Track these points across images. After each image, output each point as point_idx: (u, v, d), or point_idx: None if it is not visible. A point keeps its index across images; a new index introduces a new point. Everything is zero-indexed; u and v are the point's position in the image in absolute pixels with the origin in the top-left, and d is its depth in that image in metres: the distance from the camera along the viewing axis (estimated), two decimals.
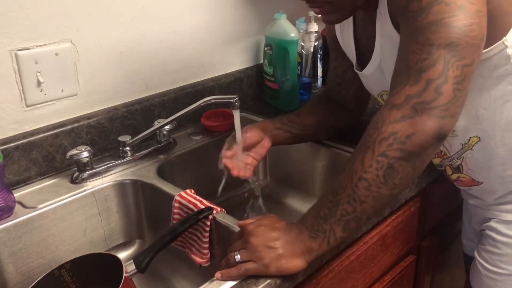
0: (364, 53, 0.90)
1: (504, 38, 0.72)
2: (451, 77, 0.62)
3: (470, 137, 0.82)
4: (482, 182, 0.86)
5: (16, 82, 0.92)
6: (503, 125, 0.78)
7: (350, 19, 0.92)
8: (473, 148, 0.82)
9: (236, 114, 0.95)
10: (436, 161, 0.91)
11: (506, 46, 0.73)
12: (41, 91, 0.95)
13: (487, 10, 0.68)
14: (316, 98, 1.13)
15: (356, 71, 0.94)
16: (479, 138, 0.81)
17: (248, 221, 0.74)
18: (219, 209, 0.84)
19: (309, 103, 1.13)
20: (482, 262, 0.91)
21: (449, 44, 0.62)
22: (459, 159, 0.86)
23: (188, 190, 0.89)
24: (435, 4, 0.63)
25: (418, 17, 0.64)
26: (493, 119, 0.78)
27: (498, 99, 0.76)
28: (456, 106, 0.63)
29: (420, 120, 0.61)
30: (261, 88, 1.37)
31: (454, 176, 0.91)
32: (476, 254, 0.94)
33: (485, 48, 0.71)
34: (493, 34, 0.71)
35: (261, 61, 1.36)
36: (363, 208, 0.65)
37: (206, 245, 0.84)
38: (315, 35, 1.38)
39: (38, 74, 0.93)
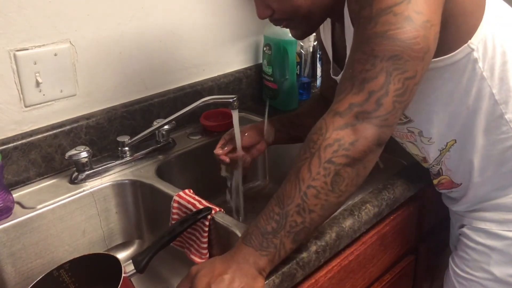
0: (341, 60, 0.90)
1: (469, 40, 0.71)
2: (392, 90, 0.63)
3: (447, 142, 0.82)
4: (461, 184, 0.86)
5: (15, 82, 0.92)
6: (475, 132, 0.77)
7: (329, 27, 0.91)
8: (450, 149, 0.82)
9: (235, 114, 0.95)
10: (425, 165, 0.92)
11: (472, 49, 0.71)
12: (40, 91, 0.95)
13: (449, 10, 0.67)
14: (314, 99, 1.13)
15: (333, 77, 0.93)
16: (455, 140, 0.81)
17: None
18: (217, 209, 0.84)
19: (307, 103, 1.12)
20: (454, 266, 0.92)
21: (392, 57, 0.62)
22: (438, 165, 0.87)
23: (187, 190, 0.89)
24: (384, 13, 0.63)
25: (367, 25, 0.64)
26: (466, 125, 0.78)
27: (470, 105, 0.76)
28: (394, 117, 0.65)
29: (361, 128, 0.63)
30: (260, 88, 1.37)
31: (435, 181, 0.91)
32: (450, 259, 0.94)
33: (451, 51, 0.71)
34: (458, 36, 0.70)
35: (260, 61, 1.36)
36: (312, 217, 0.64)
37: (205, 245, 0.84)
38: (314, 35, 1.38)
39: (37, 74, 0.93)
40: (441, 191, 0.93)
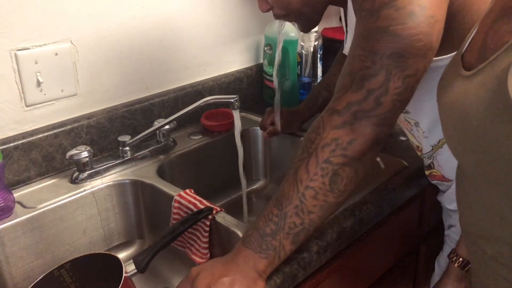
0: None
1: None
2: (391, 88, 0.61)
3: (439, 139, 0.81)
4: (452, 180, 0.86)
5: (16, 82, 0.92)
6: None
7: (341, 11, 0.92)
8: (443, 146, 0.82)
9: (236, 114, 0.95)
10: (419, 154, 0.91)
11: None
12: (41, 91, 0.95)
13: (454, 7, 0.66)
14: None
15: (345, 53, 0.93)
16: None
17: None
18: (218, 209, 0.84)
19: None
20: (439, 269, 0.92)
21: (393, 54, 0.61)
22: (430, 159, 0.87)
23: (187, 190, 0.89)
24: (386, 7, 0.61)
25: (368, 19, 0.63)
26: None
27: None
28: (394, 115, 0.64)
29: (359, 126, 0.62)
30: (261, 88, 1.37)
31: (427, 172, 0.91)
32: (436, 261, 0.94)
33: (453, 51, 0.67)
34: (462, 35, 0.67)
35: (261, 61, 1.36)
36: (311, 218, 0.63)
37: (206, 245, 0.84)
38: (315, 35, 1.38)
39: (38, 74, 0.93)
40: (433, 182, 0.93)
